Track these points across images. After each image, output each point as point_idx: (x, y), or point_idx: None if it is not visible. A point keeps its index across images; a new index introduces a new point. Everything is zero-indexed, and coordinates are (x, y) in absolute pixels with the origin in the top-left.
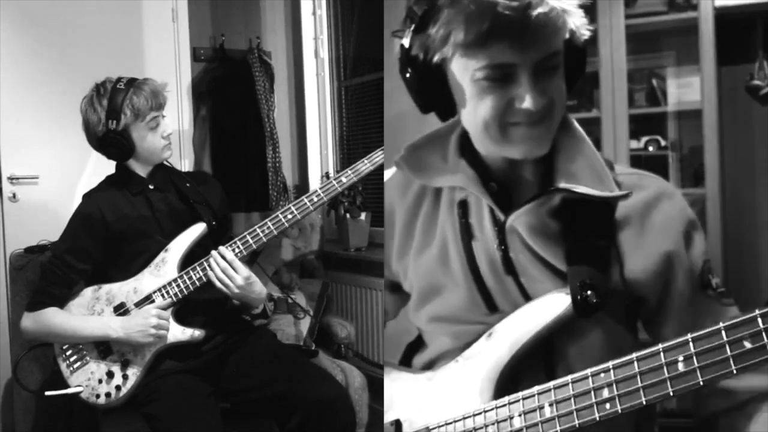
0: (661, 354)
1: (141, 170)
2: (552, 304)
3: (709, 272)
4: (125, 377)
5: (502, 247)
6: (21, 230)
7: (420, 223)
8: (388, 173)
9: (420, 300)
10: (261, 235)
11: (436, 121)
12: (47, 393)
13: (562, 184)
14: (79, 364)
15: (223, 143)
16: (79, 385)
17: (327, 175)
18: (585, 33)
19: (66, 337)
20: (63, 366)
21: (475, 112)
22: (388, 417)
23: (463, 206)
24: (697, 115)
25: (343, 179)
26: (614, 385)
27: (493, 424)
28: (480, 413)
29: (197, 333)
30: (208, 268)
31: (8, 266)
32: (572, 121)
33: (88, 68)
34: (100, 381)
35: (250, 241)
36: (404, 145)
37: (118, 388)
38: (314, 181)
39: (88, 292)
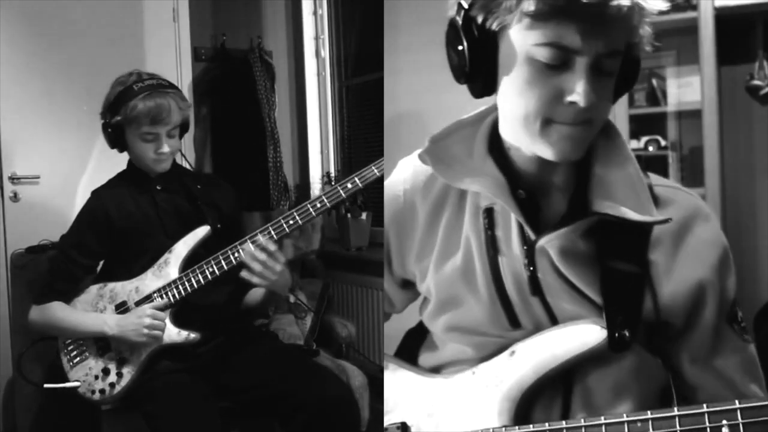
0: (706, 416)
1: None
2: (585, 335)
3: (737, 305)
4: (120, 375)
5: (531, 268)
6: (22, 230)
7: (443, 228)
8: (387, 183)
9: (439, 308)
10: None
11: (436, 123)
12: (46, 385)
13: (601, 207)
14: (79, 359)
15: (224, 143)
16: (77, 380)
17: (328, 175)
18: (647, 46)
19: (66, 332)
20: (64, 360)
21: (518, 97)
22: (392, 418)
23: (489, 215)
24: (697, 115)
25: (349, 185)
26: None
27: None
28: None
29: (192, 336)
30: (248, 260)
31: (9, 266)
32: (615, 127)
33: (88, 68)
34: (97, 377)
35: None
36: (428, 136)
37: (112, 385)
38: (315, 181)
39: (93, 289)
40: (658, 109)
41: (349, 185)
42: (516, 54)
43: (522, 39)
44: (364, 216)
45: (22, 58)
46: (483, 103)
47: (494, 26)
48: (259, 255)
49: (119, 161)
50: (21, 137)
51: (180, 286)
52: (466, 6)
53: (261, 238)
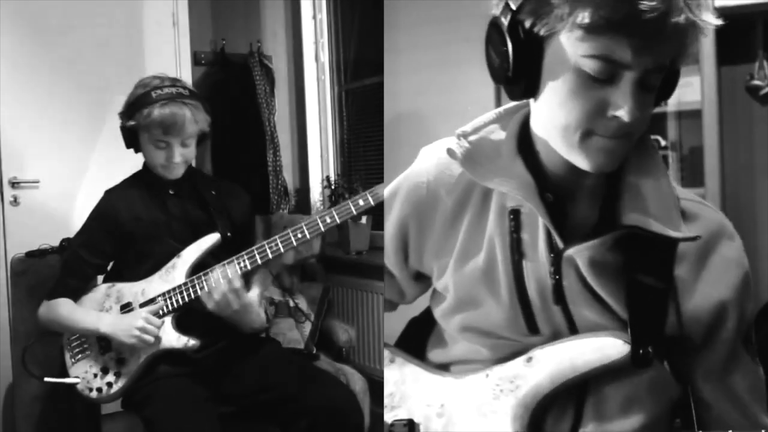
0: None
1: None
2: (607, 348)
3: (752, 327)
4: (118, 375)
5: (556, 276)
6: (22, 234)
7: (465, 226)
8: (409, 172)
9: (456, 307)
10: (268, 251)
11: (436, 123)
12: (46, 379)
13: (633, 221)
14: (80, 356)
15: (224, 147)
16: (77, 377)
17: (328, 179)
18: (689, 58)
19: (66, 328)
20: (67, 356)
21: (560, 106)
22: (399, 414)
23: (516, 217)
24: (697, 115)
25: (361, 202)
26: None
27: None
28: None
29: (192, 342)
30: (205, 283)
31: (9, 270)
32: (650, 138)
33: (89, 72)
34: (95, 375)
35: (257, 257)
36: (456, 131)
37: (109, 385)
38: (315, 185)
39: (102, 288)
40: (658, 109)
41: (361, 201)
42: (563, 63)
43: (571, 49)
44: (364, 220)
45: (22, 62)
46: (482, 105)
47: (542, 32)
48: (220, 286)
49: (119, 166)
50: (21, 141)
51: (184, 292)
52: (514, 7)
53: (228, 269)
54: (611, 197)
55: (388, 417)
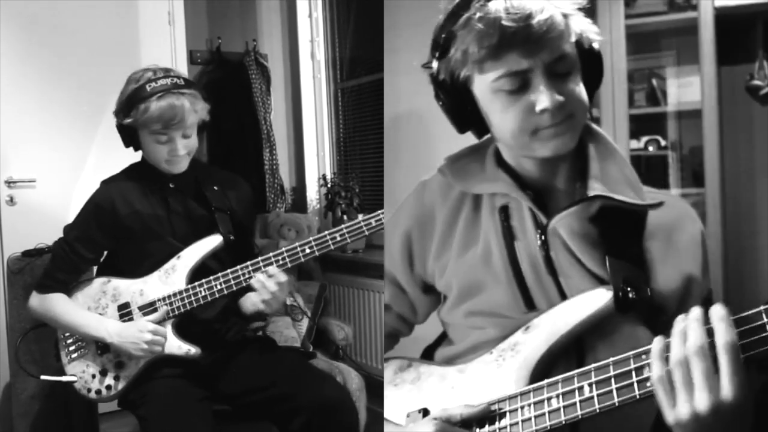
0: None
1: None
2: (592, 300)
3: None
4: (117, 378)
5: (545, 248)
6: (18, 234)
7: (461, 226)
8: (387, 217)
9: (459, 298)
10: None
11: (436, 123)
12: (42, 377)
13: (601, 192)
14: (77, 354)
15: (220, 146)
16: (73, 375)
17: (324, 177)
18: (593, 37)
19: (65, 328)
20: (62, 353)
21: (502, 124)
22: (416, 406)
23: (505, 211)
24: (697, 115)
25: (373, 222)
26: None
27: (528, 405)
28: (515, 396)
29: (193, 351)
30: (261, 290)
31: (5, 270)
32: (598, 129)
33: (84, 71)
34: (93, 376)
35: (262, 269)
36: (444, 156)
37: (108, 388)
38: (311, 183)
39: (97, 283)
40: (658, 109)
41: (373, 222)
42: (485, 94)
43: (483, 80)
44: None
45: (18, 61)
46: None
47: (460, 79)
48: (270, 286)
49: (116, 165)
50: (17, 141)
51: (185, 299)
52: (435, 73)
53: (272, 269)
54: (583, 186)
55: (408, 410)
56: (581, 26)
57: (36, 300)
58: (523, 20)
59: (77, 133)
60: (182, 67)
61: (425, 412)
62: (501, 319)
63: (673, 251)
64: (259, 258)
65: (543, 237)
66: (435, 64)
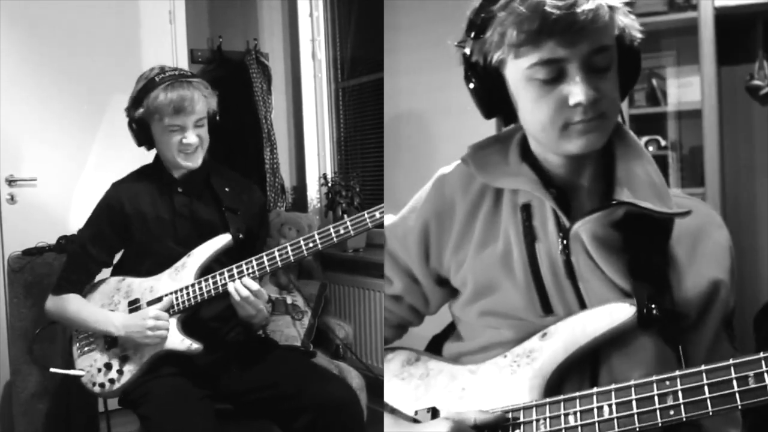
0: (732, 368)
1: (174, 168)
2: (614, 313)
3: (733, 313)
4: (120, 372)
5: (566, 252)
6: (19, 232)
7: (481, 221)
8: (387, 219)
9: (474, 295)
10: (277, 259)
11: (436, 123)
12: (51, 369)
13: (626, 198)
14: (87, 348)
15: (221, 145)
16: (81, 369)
17: (325, 177)
18: (635, 34)
19: (77, 326)
20: (74, 348)
21: (532, 114)
22: (424, 403)
23: (527, 210)
24: (697, 115)
25: (377, 215)
26: (680, 393)
27: (544, 419)
28: (530, 407)
29: (195, 346)
30: (233, 293)
31: (6, 268)
32: (628, 130)
33: (85, 70)
34: (99, 370)
35: (266, 264)
36: (469, 144)
37: (111, 381)
38: (312, 182)
39: (113, 281)
40: (658, 109)
41: (378, 214)
42: (518, 81)
43: (517, 66)
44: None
45: (19, 60)
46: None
47: (493, 63)
48: (242, 292)
49: (117, 164)
50: (18, 139)
51: (191, 293)
52: (468, 53)
53: (246, 279)
54: (608, 187)
55: (415, 407)
56: (625, 21)
57: (51, 302)
58: (568, 8)
59: (78, 132)
60: (183, 66)
61: (434, 411)
62: (516, 321)
63: (699, 257)
64: (263, 253)
65: (565, 241)
66: (469, 45)
